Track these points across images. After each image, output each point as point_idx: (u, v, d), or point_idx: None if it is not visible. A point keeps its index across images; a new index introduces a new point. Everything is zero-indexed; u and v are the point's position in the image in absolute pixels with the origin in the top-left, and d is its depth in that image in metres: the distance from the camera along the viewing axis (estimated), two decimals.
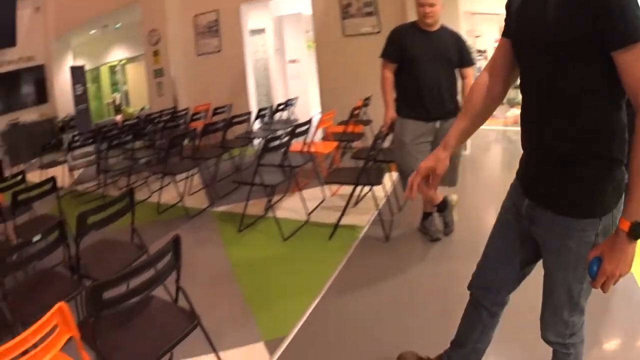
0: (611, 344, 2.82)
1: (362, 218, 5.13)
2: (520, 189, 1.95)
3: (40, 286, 3.06)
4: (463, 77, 4.15)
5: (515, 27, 1.84)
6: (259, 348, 3.10)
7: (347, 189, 5.35)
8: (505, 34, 1.91)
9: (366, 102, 7.40)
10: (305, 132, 5.58)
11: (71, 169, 7.53)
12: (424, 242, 4.39)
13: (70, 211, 4.35)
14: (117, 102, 16.09)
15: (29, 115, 11.74)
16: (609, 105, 1.63)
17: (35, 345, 1.84)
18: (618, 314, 3.11)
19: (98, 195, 6.90)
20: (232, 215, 5.61)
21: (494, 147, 8.47)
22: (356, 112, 6.79)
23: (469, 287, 2.29)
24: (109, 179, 7.26)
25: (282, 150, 5.21)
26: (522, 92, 1.85)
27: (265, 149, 4.83)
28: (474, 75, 4.03)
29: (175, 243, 2.38)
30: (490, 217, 5.01)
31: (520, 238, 2.01)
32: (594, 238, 1.72)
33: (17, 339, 1.74)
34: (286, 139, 5.09)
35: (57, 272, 3.25)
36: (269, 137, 4.93)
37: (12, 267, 2.88)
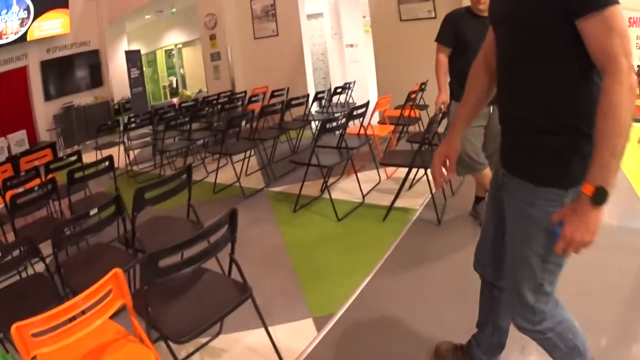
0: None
1: (415, 201, 5.08)
2: (500, 160, 1.97)
3: (94, 259, 3.16)
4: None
5: (491, 8, 1.90)
6: (307, 324, 3.13)
7: (402, 172, 5.30)
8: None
9: (422, 87, 7.31)
10: (363, 115, 5.56)
11: (127, 150, 7.70)
12: (475, 226, 4.31)
13: (126, 190, 4.47)
14: (174, 85, 16.35)
15: (83, 99, 12.10)
16: (577, 77, 1.62)
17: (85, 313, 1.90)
18: None
19: (154, 175, 7.12)
20: (288, 196, 5.67)
21: None
22: (413, 96, 6.72)
23: (474, 267, 2.29)
24: (165, 159, 7.43)
25: (339, 132, 5.21)
26: (497, 67, 1.89)
27: (323, 130, 4.84)
28: None
29: (232, 216, 2.41)
30: None
31: (501, 211, 1.99)
32: (559, 210, 1.68)
33: (72, 301, 1.79)
34: (343, 121, 5.07)
35: (112, 246, 3.35)
36: (327, 118, 4.91)
37: (68, 240, 2.97)
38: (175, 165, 7.54)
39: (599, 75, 1.55)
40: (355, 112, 5.39)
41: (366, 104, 5.64)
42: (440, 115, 4.35)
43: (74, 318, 1.88)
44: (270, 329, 2.85)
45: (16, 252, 2.64)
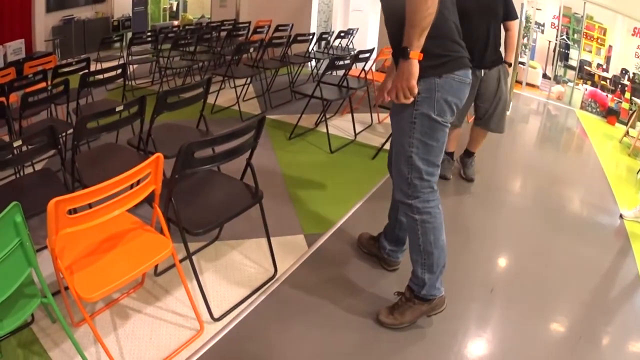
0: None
1: None
2: None
3: (106, 157, 3.16)
4: (506, 30, 4.16)
5: None
6: (299, 239, 3.25)
7: None
8: None
9: None
10: (366, 60, 5.55)
11: (128, 64, 7.47)
12: (455, 175, 4.58)
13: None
14: (174, 8, 15.97)
15: (84, 13, 11.61)
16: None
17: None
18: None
19: (152, 91, 6.98)
20: (283, 124, 5.69)
21: (532, 116, 8.32)
22: None
23: (387, 167, 2.67)
24: (164, 77, 7.32)
25: (342, 71, 5.22)
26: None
27: (331, 66, 4.84)
28: (517, 29, 4.22)
29: (260, 122, 2.45)
30: (506, 175, 5.06)
31: None
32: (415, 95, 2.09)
33: (114, 179, 1.78)
34: (348, 61, 5.08)
35: (123, 147, 3.33)
36: (337, 56, 4.91)
37: (91, 133, 2.95)
38: (175, 82, 7.44)
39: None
40: (361, 56, 5.37)
41: (371, 50, 5.63)
42: None
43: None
44: (264, 239, 2.94)
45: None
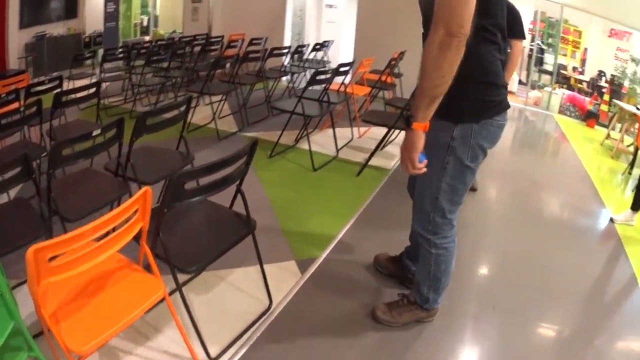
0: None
1: (387, 162, 5.08)
2: None
3: (83, 184, 2.97)
4: (510, 47, 4.03)
5: None
6: (291, 266, 3.10)
7: (374, 133, 5.34)
8: None
9: (401, 55, 7.24)
10: (346, 72, 5.46)
11: (101, 82, 7.22)
12: None
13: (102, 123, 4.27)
14: (144, 24, 15.76)
15: (56, 29, 11.36)
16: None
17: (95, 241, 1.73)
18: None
19: (125, 110, 6.76)
20: (262, 142, 5.52)
21: (511, 123, 8.31)
22: (393, 62, 6.65)
23: (407, 189, 2.79)
24: (137, 95, 7.10)
25: (323, 86, 5.11)
26: None
27: (313, 81, 4.73)
28: (521, 48, 4.21)
29: (252, 148, 2.29)
30: (490, 183, 5.09)
31: None
32: (449, 140, 2.05)
33: (99, 220, 1.59)
34: (328, 75, 4.97)
35: (101, 173, 3.12)
36: (319, 70, 4.80)
37: (66, 160, 2.71)
38: (148, 100, 7.24)
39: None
40: (341, 69, 5.28)
41: (351, 63, 5.54)
42: None
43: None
44: (254, 267, 2.81)
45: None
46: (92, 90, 4.30)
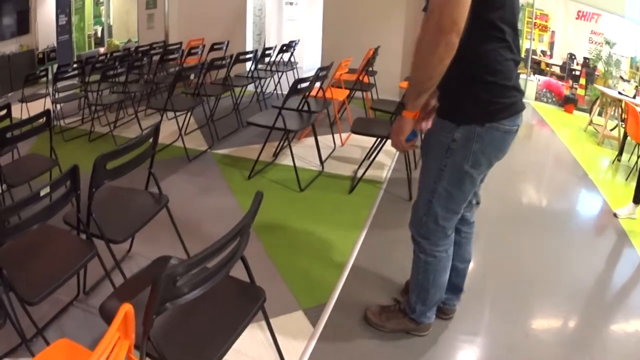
0: None
1: (380, 172, 4.67)
2: None
3: (40, 250, 2.32)
4: None
5: None
6: (299, 317, 2.61)
7: (357, 139, 5.07)
8: None
9: (376, 52, 6.79)
10: (325, 77, 4.97)
11: (55, 103, 6.40)
12: None
13: (59, 151, 3.77)
14: (98, 34, 15.07)
15: (8, 47, 10.65)
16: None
17: None
18: None
19: (83, 131, 6.08)
20: (236, 160, 5.03)
21: None
22: (368, 60, 6.23)
23: None
24: (95, 114, 6.40)
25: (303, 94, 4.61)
26: None
27: (294, 91, 4.21)
28: None
29: (243, 230, 1.74)
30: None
31: None
32: (449, 142, 1.94)
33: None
34: (307, 83, 4.46)
35: (59, 230, 2.50)
36: (299, 79, 4.30)
37: (14, 233, 2.03)
38: (106, 119, 6.55)
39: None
40: (320, 74, 4.80)
41: (329, 67, 5.07)
42: None
43: None
44: (258, 324, 2.37)
45: None
46: (43, 120, 3.72)
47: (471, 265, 3.00)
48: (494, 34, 1.78)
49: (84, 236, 2.43)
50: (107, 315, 1.69)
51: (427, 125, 2.10)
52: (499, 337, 2.56)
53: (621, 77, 8.04)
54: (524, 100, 1.96)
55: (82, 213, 2.40)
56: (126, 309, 1.23)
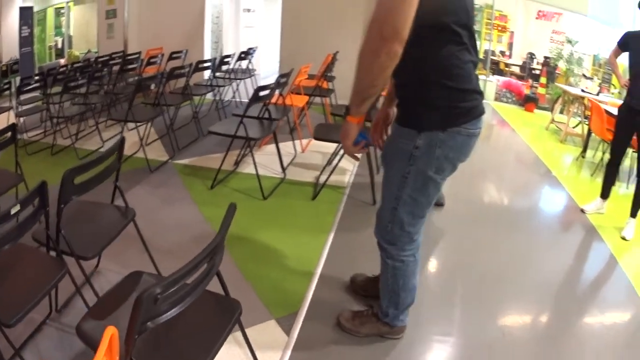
0: None
1: (342, 177, 4.71)
2: None
3: (8, 270, 2.22)
4: None
5: None
6: (272, 327, 2.61)
7: (317, 146, 5.20)
8: None
9: (334, 57, 6.81)
10: (285, 84, 4.98)
11: (19, 116, 6.22)
12: None
13: (22, 165, 3.65)
14: (59, 45, 14.78)
15: None
16: None
17: None
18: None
19: (46, 144, 5.94)
20: (197, 169, 4.98)
21: None
22: (326, 66, 6.24)
23: None
24: (56, 126, 6.27)
25: (263, 102, 4.59)
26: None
27: (255, 98, 4.21)
28: None
29: (218, 246, 1.73)
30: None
31: None
32: (411, 149, 1.94)
33: None
34: (268, 91, 4.44)
35: (27, 247, 2.41)
36: (261, 86, 4.28)
37: None
38: (68, 131, 6.39)
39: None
40: (281, 81, 4.79)
41: (289, 73, 5.07)
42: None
43: None
44: (232, 335, 2.33)
45: None
46: (8, 135, 3.61)
47: (440, 266, 3.05)
48: (451, 37, 1.79)
49: (53, 253, 2.38)
50: (85, 337, 1.66)
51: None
52: (473, 336, 2.61)
53: (584, 75, 8.22)
54: (485, 100, 1.99)
55: (51, 230, 2.36)
56: (111, 332, 1.20)
